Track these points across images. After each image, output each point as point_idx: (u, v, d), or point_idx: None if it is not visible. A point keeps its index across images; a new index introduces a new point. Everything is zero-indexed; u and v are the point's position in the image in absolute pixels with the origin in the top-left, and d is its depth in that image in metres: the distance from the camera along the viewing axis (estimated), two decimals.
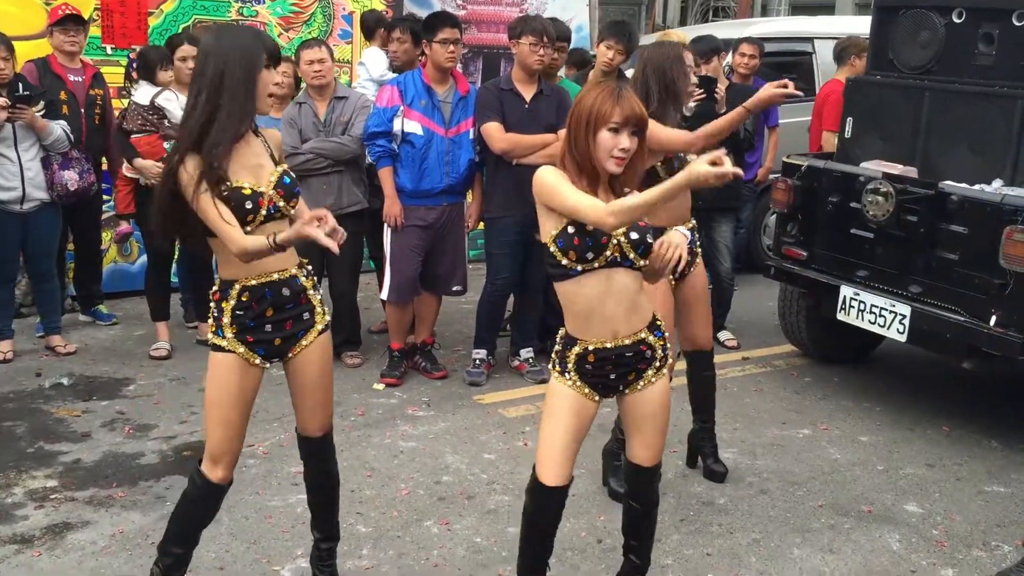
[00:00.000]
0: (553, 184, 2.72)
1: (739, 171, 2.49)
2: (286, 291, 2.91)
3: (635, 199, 2.58)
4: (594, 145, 2.70)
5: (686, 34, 6.35)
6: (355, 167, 5.43)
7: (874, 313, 4.79)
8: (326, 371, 3.05)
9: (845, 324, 5.00)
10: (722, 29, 8.80)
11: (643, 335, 2.85)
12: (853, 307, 4.89)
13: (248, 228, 2.77)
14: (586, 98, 2.74)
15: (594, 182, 2.76)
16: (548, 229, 2.78)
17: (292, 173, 2.97)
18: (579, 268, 2.76)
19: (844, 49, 6.69)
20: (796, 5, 23.26)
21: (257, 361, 2.91)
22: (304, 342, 2.97)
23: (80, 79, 5.84)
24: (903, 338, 4.67)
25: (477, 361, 5.44)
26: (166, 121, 5.49)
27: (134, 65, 5.78)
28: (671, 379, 2.99)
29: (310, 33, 7.10)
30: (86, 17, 6.05)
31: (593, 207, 2.63)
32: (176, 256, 5.94)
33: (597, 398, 2.90)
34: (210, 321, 2.92)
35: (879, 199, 4.74)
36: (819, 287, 5.17)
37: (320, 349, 3.01)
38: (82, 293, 6.27)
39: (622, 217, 2.59)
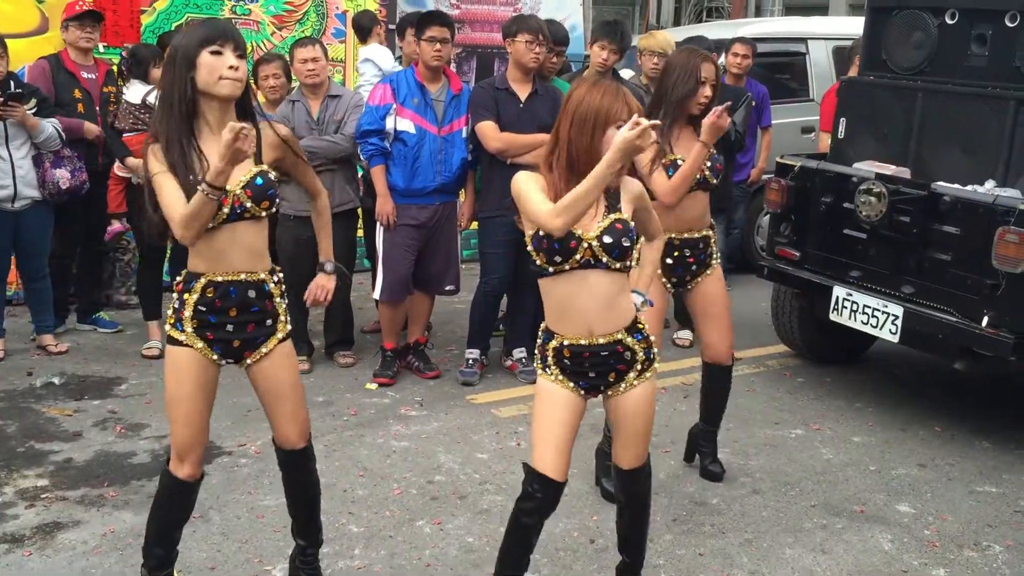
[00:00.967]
0: (519, 193, 2.77)
1: (656, 121, 2.57)
2: (252, 293, 2.87)
3: (573, 192, 2.61)
4: (600, 143, 2.71)
5: (670, 35, 6.35)
6: (348, 166, 5.43)
7: (867, 314, 4.79)
8: (294, 380, 3.03)
9: (838, 324, 5.00)
10: (715, 29, 8.82)
11: (620, 336, 2.85)
12: (846, 308, 4.89)
13: (211, 225, 2.74)
14: (589, 97, 2.74)
15: None
16: (527, 229, 2.83)
17: (271, 175, 2.87)
18: (551, 269, 2.79)
19: (851, 50, 6.68)
20: (790, 6, 23.32)
21: (215, 358, 2.89)
22: (264, 349, 2.94)
23: (93, 76, 5.81)
24: (896, 339, 4.68)
25: (470, 361, 5.43)
26: None
27: (126, 63, 5.75)
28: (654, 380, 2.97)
29: (303, 32, 7.08)
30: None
31: (540, 212, 2.67)
32: (168, 255, 5.92)
33: (582, 393, 2.91)
34: (170, 312, 2.88)
35: (872, 200, 4.75)
36: (812, 287, 5.17)
37: (283, 357, 2.99)
38: (83, 301, 6.12)
39: (566, 215, 2.62)
